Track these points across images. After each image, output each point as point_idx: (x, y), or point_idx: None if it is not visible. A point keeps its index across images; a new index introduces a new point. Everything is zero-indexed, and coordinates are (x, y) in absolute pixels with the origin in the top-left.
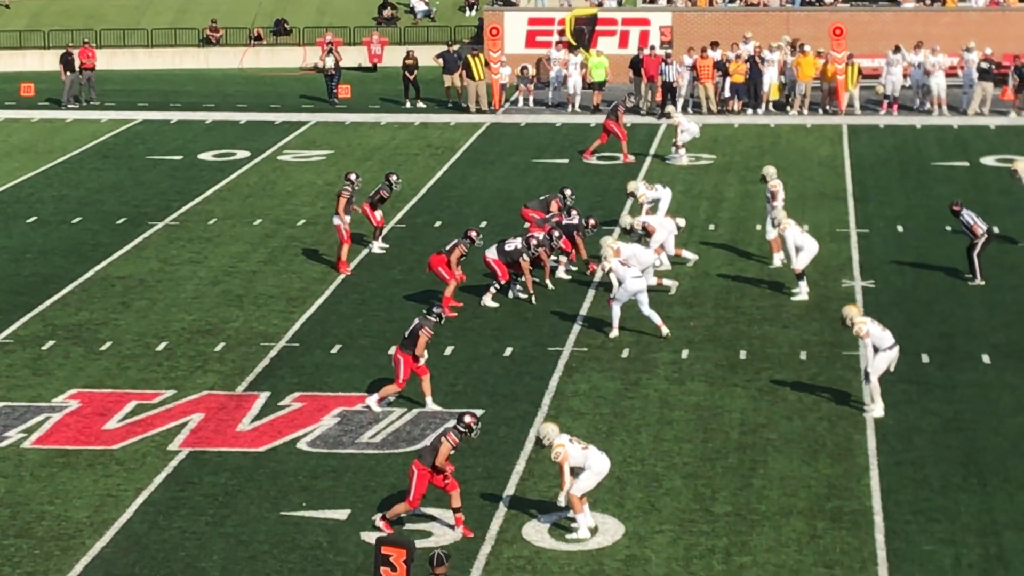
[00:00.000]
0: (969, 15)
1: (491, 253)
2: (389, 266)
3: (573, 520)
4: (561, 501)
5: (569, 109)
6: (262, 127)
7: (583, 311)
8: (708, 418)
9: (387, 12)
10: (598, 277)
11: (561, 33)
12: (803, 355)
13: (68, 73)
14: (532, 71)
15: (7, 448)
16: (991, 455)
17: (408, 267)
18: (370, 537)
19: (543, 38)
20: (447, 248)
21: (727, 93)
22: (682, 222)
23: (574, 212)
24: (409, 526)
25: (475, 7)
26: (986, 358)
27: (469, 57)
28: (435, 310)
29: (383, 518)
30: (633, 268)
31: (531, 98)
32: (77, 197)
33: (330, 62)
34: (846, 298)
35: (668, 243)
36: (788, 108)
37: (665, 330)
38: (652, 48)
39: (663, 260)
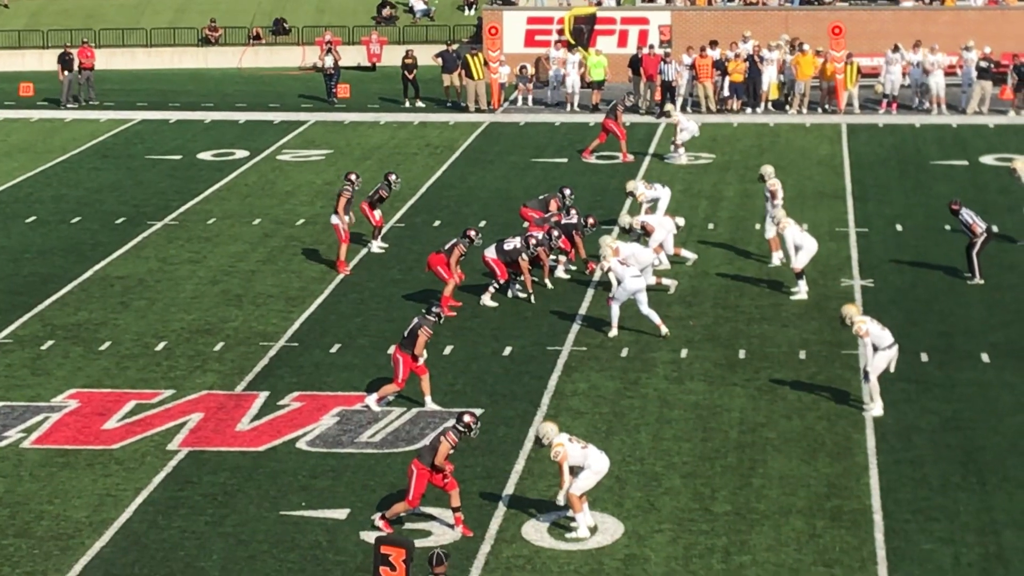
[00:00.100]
0: (968, 14)
1: (490, 252)
2: (388, 266)
3: (572, 519)
4: (560, 500)
5: (568, 108)
6: (261, 127)
7: (582, 310)
8: (707, 417)
9: (386, 11)
10: (597, 276)
11: (560, 32)
12: (802, 354)
13: (66, 73)
14: (531, 70)
15: (6, 448)
16: (990, 454)
17: (407, 267)
18: (369, 536)
19: (542, 37)
20: (446, 247)
21: (726, 92)
22: (681, 221)
23: (573, 211)
24: (408, 525)
25: (474, 6)
26: (985, 357)
27: (468, 56)
28: (434, 309)
29: (382, 517)
30: (632, 267)
31: (530, 97)
32: (76, 197)
33: (329, 61)
34: (845, 297)
35: (667, 242)
36: (787, 107)
37: (664, 329)
38: (651, 47)
39: (662, 259)
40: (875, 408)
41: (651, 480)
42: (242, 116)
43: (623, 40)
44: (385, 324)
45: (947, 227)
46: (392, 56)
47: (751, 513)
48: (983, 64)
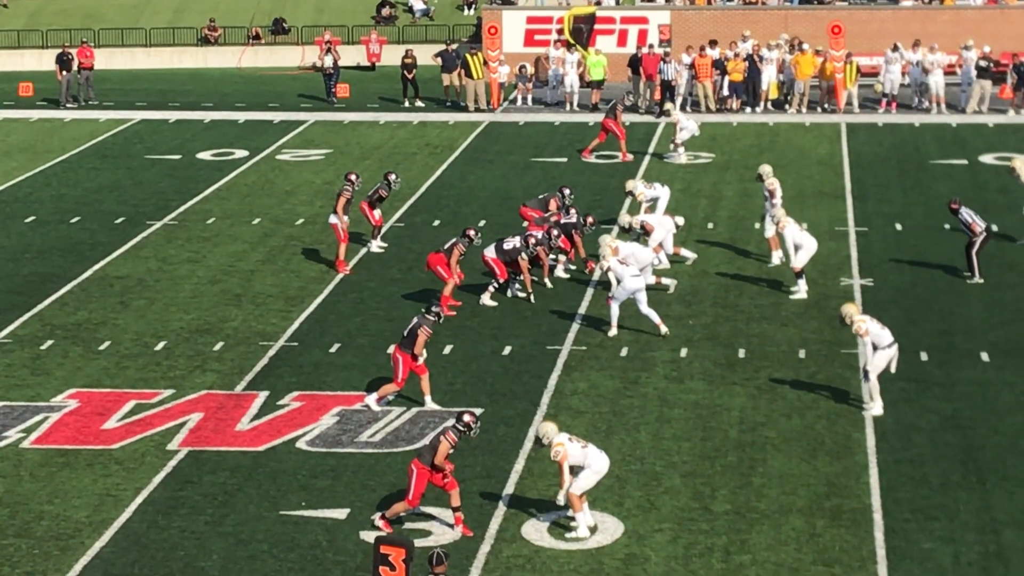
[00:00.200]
0: (967, 13)
1: (490, 252)
2: (388, 265)
3: (572, 519)
4: (560, 500)
5: (567, 108)
6: (260, 126)
7: (582, 310)
8: (707, 416)
9: (386, 11)
10: (597, 276)
11: (560, 32)
12: (802, 353)
13: (64, 73)
14: (531, 70)
15: (6, 448)
16: (990, 453)
17: (407, 266)
18: (369, 536)
19: (542, 37)
20: (446, 247)
21: (726, 91)
22: (681, 220)
23: (572, 211)
24: (408, 525)
25: (474, 6)
26: (985, 356)
27: (468, 56)
28: (434, 309)
29: (382, 517)
30: (631, 267)
31: (529, 97)
32: (75, 197)
33: (328, 61)
34: (845, 296)
35: (667, 242)
36: (787, 106)
37: (664, 329)
38: (651, 47)
39: (662, 259)
40: (875, 407)
41: (651, 479)
42: (241, 116)
43: (622, 39)
44: (385, 324)
45: (947, 226)
46: (391, 56)
47: (751, 512)
48: (982, 63)
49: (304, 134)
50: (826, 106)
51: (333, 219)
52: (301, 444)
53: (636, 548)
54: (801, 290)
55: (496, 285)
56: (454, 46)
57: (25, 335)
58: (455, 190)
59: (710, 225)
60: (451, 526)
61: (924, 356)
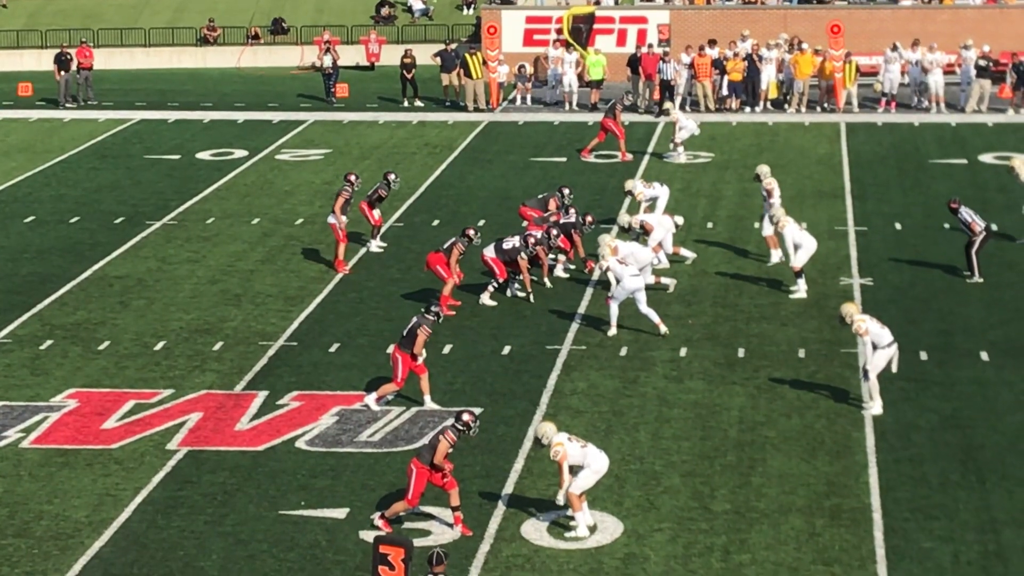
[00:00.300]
0: (966, 12)
1: (489, 251)
2: (387, 265)
3: (572, 518)
4: (560, 499)
5: (566, 107)
6: (260, 126)
7: (581, 309)
8: (707, 416)
9: (385, 11)
10: (596, 275)
11: (559, 31)
12: (801, 353)
13: (62, 73)
14: (530, 69)
15: (5, 448)
16: (989, 452)
17: (406, 266)
18: (369, 536)
19: (541, 36)
20: (445, 247)
21: (725, 91)
22: (680, 220)
23: (572, 211)
24: (408, 525)
25: (473, 6)
26: (984, 355)
27: (467, 56)
28: (433, 309)
29: (382, 517)
30: (631, 266)
31: (529, 96)
32: (75, 197)
33: (328, 61)
34: (844, 296)
35: (666, 241)
36: (786, 106)
37: (663, 328)
38: (650, 46)
39: (661, 258)
40: (874, 407)
41: (650, 479)
42: (241, 116)
43: (622, 39)
44: (384, 323)
45: (946, 225)
46: (391, 55)
47: (750, 512)
48: (982, 63)
49: (303, 134)
50: (825, 105)
51: (332, 219)
52: (300, 444)
53: (635, 547)
54: (801, 289)
55: (495, 285)
56: (453, 46)
57: (24, 335)
58: (454, 190)
59: (709, 225)
60: (450, 525)
61: (924, 355)
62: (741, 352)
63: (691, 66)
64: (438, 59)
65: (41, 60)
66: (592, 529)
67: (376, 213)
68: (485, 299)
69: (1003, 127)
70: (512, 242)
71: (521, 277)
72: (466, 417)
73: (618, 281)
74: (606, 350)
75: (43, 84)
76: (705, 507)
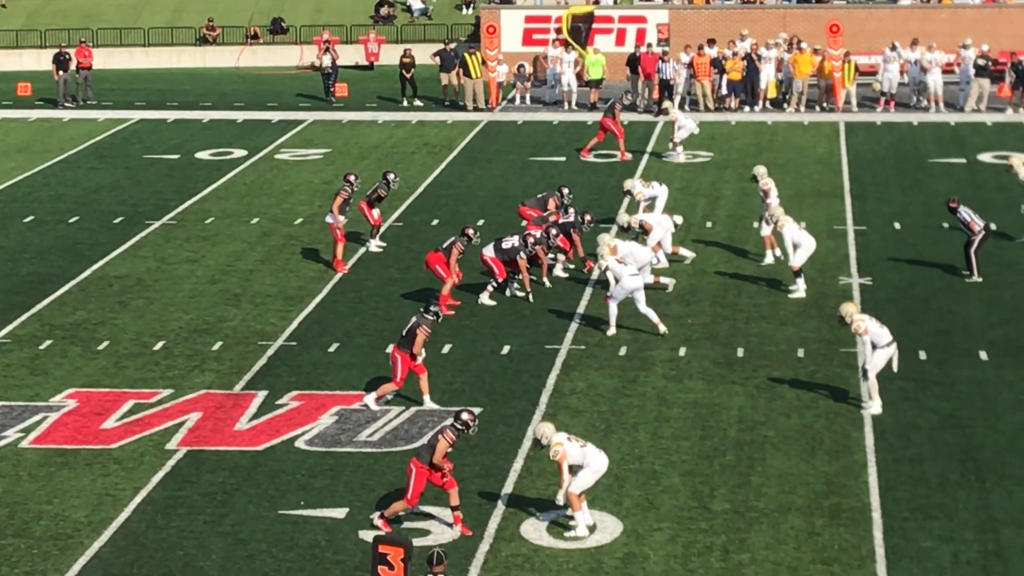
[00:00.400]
0: (965, 12)
1: (488, 251)
2: (386, 265)
3: (571, 518)
4: (560, 500)
5: (565, 107)
6: (259, 126)
7: (580, 309)
8: (706, 416)
9: (384, 10)
10: (595, 275)
11: (558, 31)
12: (801, 352)
13: (61, 73)
14: (529, 69)
15: (5, 448)
16: (989, 451)
17: (406, 266)
18: (368, 535)
19: (540, 36)
20: (444, 246)
21: (724, 91)
22: (679, 219)
23: (571, 210)
24: (407, 524)
25: (472, 5)
26: (984, 355)
27: (466, 55)
28: (432, 308)
29: (381, 516)
30: (630, 266)
31: (528, 96)
32: (74, 196)
33: (327, 60)
34: (843, 295)
35: (665, 241)
36: (785, 105)
37: (662, 328)
38: (649, 46)
39: (660, 258)
40: (874, 406)
41: (650, 479)
42: (240, 115)
43: (621, 39)
44: (383, 323)
45: (945, 225)
46: (390, 55)
47: (750, 511)
48: (981, 62)
49: (303, 133)
50: (824, 105)
51: (330, 219)
52: (300, 444)
53: (635, 547)
54: (800, 289)
55: (495, 284)
56: (452, 45)
57: (24, 335)
58: (454, 189)
59: (708, 224)
60: (450, 525)
61: (923, 355)
62: (740, 352)
63: (690, 65)
64: (437, 59)
65: (40, 60)
66: (592, 529)
67: (375, 213)
68: (484, 299)
69: (1002, 126)
70: (511, 242)
71: (520, 277)
72: (465, 416)
73: (617, 281)
74: (605, 350)
75: (42, 84)
76: (704, 507)
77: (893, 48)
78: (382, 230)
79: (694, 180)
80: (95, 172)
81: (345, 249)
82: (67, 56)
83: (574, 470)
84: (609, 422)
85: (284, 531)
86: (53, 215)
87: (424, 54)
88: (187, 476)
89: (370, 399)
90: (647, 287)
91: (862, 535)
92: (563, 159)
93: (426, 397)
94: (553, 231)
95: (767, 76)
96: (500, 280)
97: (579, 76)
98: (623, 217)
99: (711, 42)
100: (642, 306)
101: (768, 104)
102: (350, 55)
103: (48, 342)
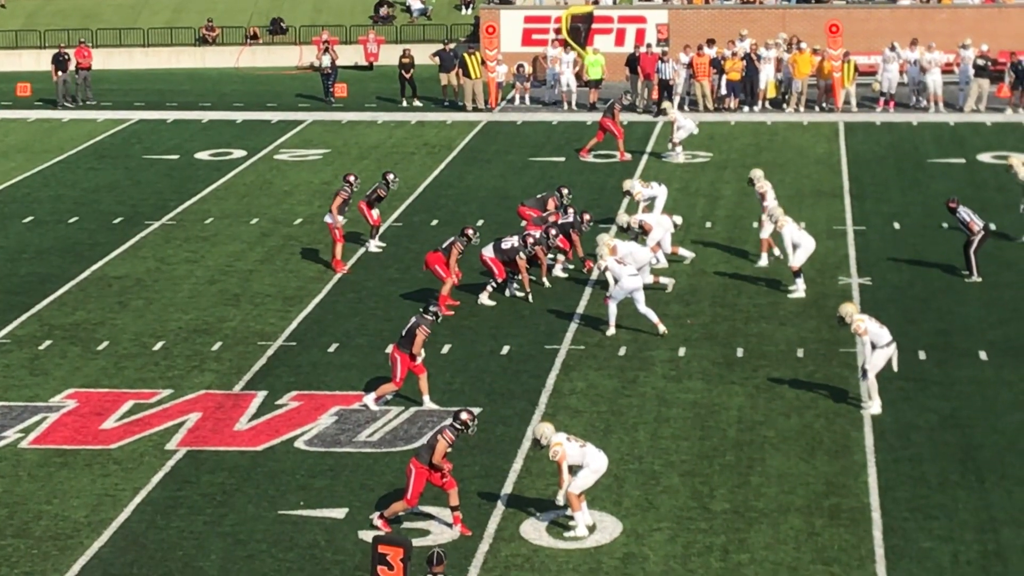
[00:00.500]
0: (965, 12)
1: (488, 251)
2: (386, 265)
3: (571, 518)
4: (560, 500)
5: (565, 107)
6: (258, 126)
7: (580, 309)
8: (705, 416)
9: (383, 11)
10: (595, 275)
11: (558, 31)
12: (800, 352)
13: (60, 73)
14: (528, 69)
15: (4, 448)
16: (989, 451)
17: (405, 266)
18: (368, 536)
19: (539, 36)
20: (444, 246)
21: (723, 91)
22: (679, 220)
23: (571, 210)
24: (407, 525)
25: (471, 5)
26: (983, 355)
27: (465, 55)
28: (432, 308)
29: (381, 517)
30: (629, 266)
31: (527, 96)
32: (73, 197)
33: (326, 61)
34: (843, 295)
35: (665, 241)
36: (784, 105)
37: (662, 328)
38: (648, 46)
39: (660, 258)
40: (873, 406)
41: (649, 479)
42: (239, 116)
43: (620, 39)
44: (383, 323)
45: (944, 225)
46: (389, 55)
47: (749, 511)
48: (980, 62)
49: (302, 134)
50: (824, 105)
51: (329, 219)
52: (299, 444)
53: (635, 547)
54: (799, 289)
55: (494, 285)
56: (452, 46)
57: (23, 335)
58: (453, 189)
59: (708, 224)
60: (450, 525)
61: (922, 355)
62: (740, 352)
63: (689, 66)
64: (436, 59)
65: (40, 60)
66: (591, 529)
67: (375, 213)
68: (484, 299)
69: (1001, 126)
70: (511, 242)
71: (520, 277)
72: (464, 416)
73: (616, 281)
74: (605, 350)
75: (42, 84)
76: (704, 507)
77: (892, 48)
78: (381, 230)
79: (693, 180)
80: (94, 172)
81: (344, 249)
82: (66, 56)
83: (574, 470)
84: (608, 422)
85: (284, 531)
86: (53, 215)
87: (423, 54)
88: (187, 476)
89: (369, 399)
90: (646, 287)
91: (862, 535)
92: (562, 159)
93: (425, 397)
94: (552, 231)
95: (766, 76)
96: (499, 280)
97: (578, 76)
98: (622, 217)
99: (710, 42)
100: (641, 306)
101: (767, 104)
102: (349, 55)
103: (48, 342)
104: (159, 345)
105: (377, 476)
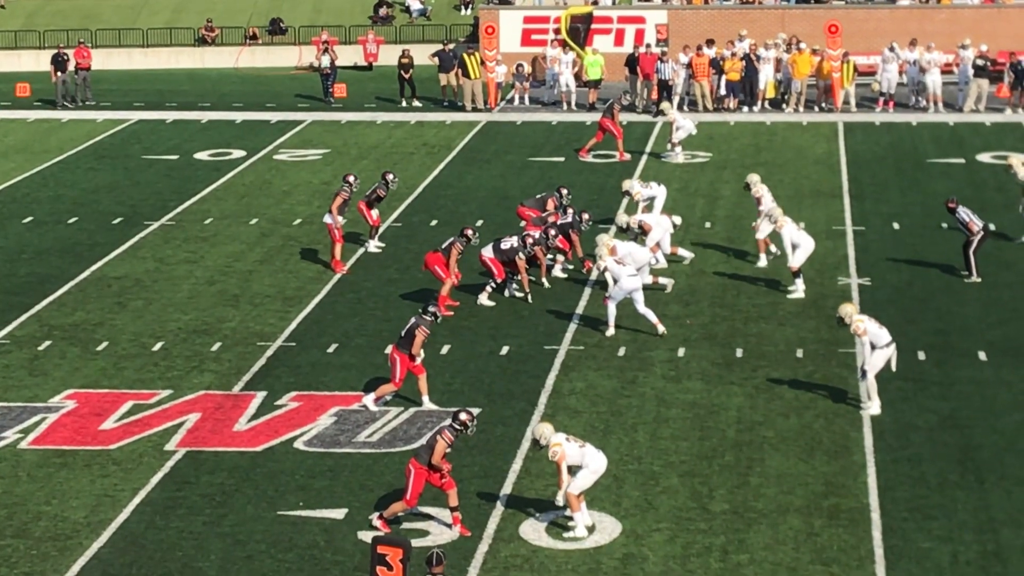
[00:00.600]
0: (964, 12)
1: (487, 252)
2: (385, 265)
3: (570, 519)
4: (560, 501)
5: (564, 107)
6: (258, 126)
7: (579, 310)
8: (705, 416)
9: (383, 11)
10: (594, 276)
11: (557, 31)
12: (799, 353)
13: (59, 74)
14: (528, 69)
15: (4, 449)
16: (988, 452)
17: (404, 266)
18: (367, 536)
19: (539, 36)
20: (444, 247)
21: (723, 91)
22: (678, 220)
23: (570, 211)
24: (406, 525)
25: (471, 6)
26: (982, 355)
27: (465, 56)
28: (431, 309)
29: (380, 517)
30: (628, 266)
31: (527, 96)
32: (73, 197)
33: (326, 61)
34: (842, 296)
35: (664, 241)
36: (784, 106)
37: (661, 328)
38: (648, 46)
39: (659, 258)
40: (872, 406)
41: (649, 479)
42: (239, 116)
43: (620, 39)
44: (382, 324)
45: (944, 225)
46: (389, 56)
47: (749, 512)
48: (980, 62)
49: (301, 134)
50: (823, 105)
51: (328, 219)
52: (299, 444)
53: (634, 548)
54: (798, 289)
55: (493, 285)
56: (451, 46)
57: (23, 336)
58: (452, 190)
59: (707, 225)
60: (449, 526)
61: (922, 355)
62: (739, 352)
63: (689, 66)
64: (436, 59)
65: (39, 61)
66: (590, 529)
67: (374, 213)
68: (483, 299)
69: (1001, 126)
70: (510, 242)
71: (519, 277)
72: (463, 416)
73: (616, 281)
74: (604, 350)
75: (41, 85)
76: (703, 507)
77: (892, 48)
78: (381, 231)
79: (693, 180)
80: (94, 173)
81: (344, 250)
82: (66, 57)
83: (573, 471)
84: (608, 423)
85: (283, 532)
86: (52, 216)
87: (423, 54)
88: (186, 477)
89: (369, 400)
90: (646, 288)
91: (861, 535)
92: (562, 159)
93: (425, 398)
94: (552, 232)
95: (766, 76)
96: (499, 281)
97: (577, 76)
98: (622, 218)
99: (710, 42)
100: (641, 306)
101: (767, 104)
102: (349, 55)
103: (47, 343)
104: (158, 346)
105: (376, 477)
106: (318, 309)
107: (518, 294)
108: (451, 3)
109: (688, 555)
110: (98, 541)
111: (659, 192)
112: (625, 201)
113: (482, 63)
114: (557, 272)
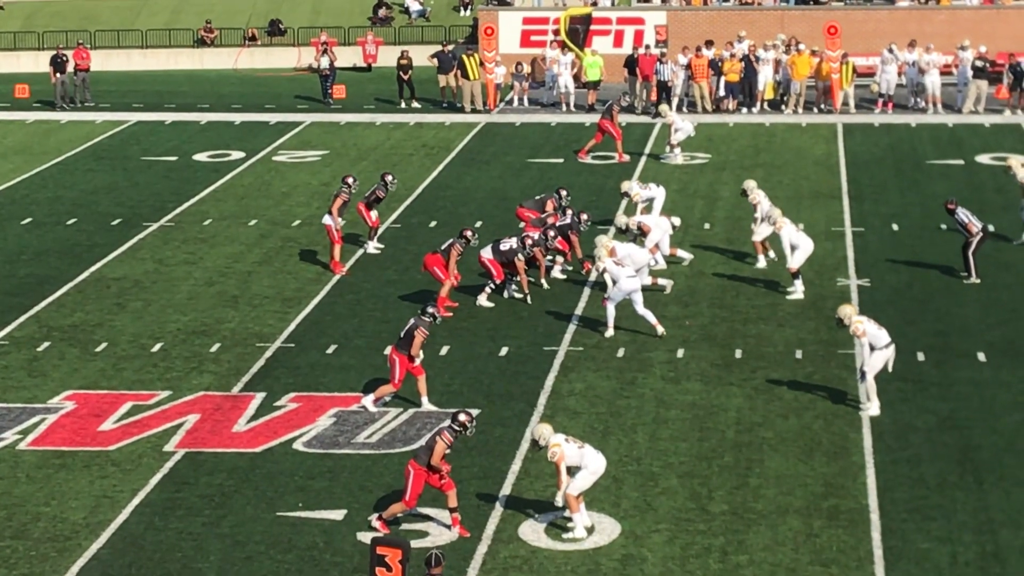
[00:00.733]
0: (963, 13)
1: (486, 253)
2: (384, 266)
3: (569, 519)
4: (559, 502)
5: (563, 108)
6: (257, 128)
7: (578, 311)
8: (704, 417)
9: (382, 12)
10: (593, 277)
11: (556, 32)
12: (799, 354)
13: (58, 75)
14: (527, 70)
15: (3, 450)
16: (987, 452)
17: (403, 267)
18: (366, 537)
19: (538, 37)
20: (443, 248)
21: (722, 92)
22: (677, 221)
23: (569, 212)
24: (405, 526)
25: (470, 7)
26: (981, 356)
27: (464, 57)
28: (430, 310)
29: (379, 518)
30: (627, 268)
31: (526, 97)
32: (72, 198)
33: (325, 62)
34: (841, 297)
35: (663, 242)
36: (783, 107)
37: (660, 329)
38: (647, 47)
39: (658, 259)
40: (872, 407)
41: (648, 480)
42: (238, 117)
43: (619, 40)
44: (381, 325)
45: (943, 226)
46: (388, 57)
47: (748, 513)
48: (978, 63)
49: (300, 135)
50: (822, 106)
51: (327, 220)
52: (298, 445)
53: (633, 549)
54: (798, 291)
55: (493, 286)
56: (450, 47)
57: (22, 337)
58: (452, 191)
59: (706, 226)
60: (448, 527)
61: (921, 356)
62: (738, 353)
63: (688, 67)
64: (435, 60)
65: (38, 62)
66: (590, 530)
67: (373, 214)
68: (482, 300)
69: (1000, 128)
70: (509, 243)
71: (518, 278)
72: (462, 417)
73: (615, 282)
74: (603, 351)
75: (40, 86)
76: (703, 508)
77: (891, 50)
78: (380, 232)
79: (692, 182)
80: (93, 174)
81: (343, 251)
82: (64, 58)
83: (572, 471)
84: (607, 423)
85: (282, 533)
86: (51, 217)
87: (422, 56)
88: (185, 478)
89: (368, 401)
90: (645, 289)
91: (860, 536)
92: (561, 161)
93: (424, 399)
94: (551, 233)
95: (765, 77)
96: (498, 282)
97: (577, 78)
98: (621, 219)
99: (709, 44)
100: (640, 307)
101: (766, 106)
102: (348, 57)
103: (46, 344)
104: (157, 347)
105: (376, 478)
106: (317, 310)
107: (517, 295)
108: (450, 4)
109: (687, 556)
110: (97, 542)
111: (658, 193)
112: (624, 202)
113: (481, 64)
114: (556, 273)
